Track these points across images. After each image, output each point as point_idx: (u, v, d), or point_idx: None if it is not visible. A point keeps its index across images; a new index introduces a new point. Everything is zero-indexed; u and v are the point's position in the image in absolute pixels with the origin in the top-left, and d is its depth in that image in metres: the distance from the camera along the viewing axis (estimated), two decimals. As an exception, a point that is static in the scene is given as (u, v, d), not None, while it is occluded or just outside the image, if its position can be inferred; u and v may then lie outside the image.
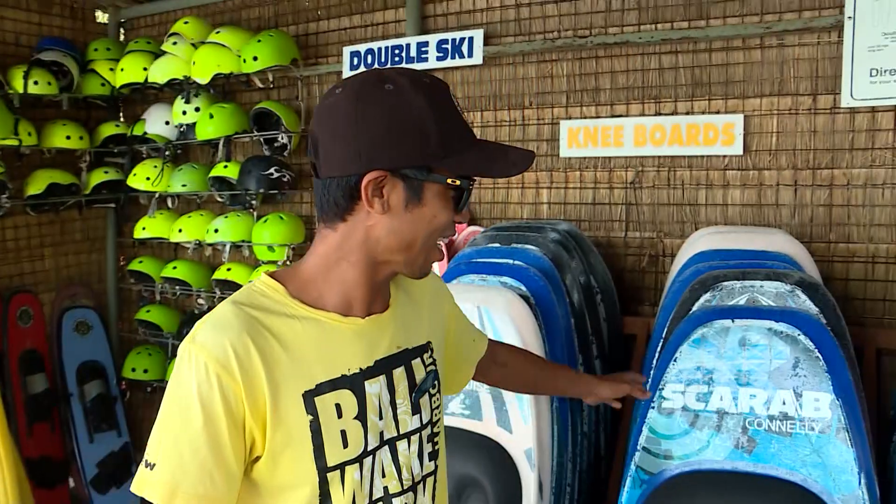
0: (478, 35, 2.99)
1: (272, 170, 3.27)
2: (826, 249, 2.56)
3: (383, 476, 1.17)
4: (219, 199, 3.53)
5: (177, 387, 1.07)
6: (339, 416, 1.12)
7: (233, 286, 3.42)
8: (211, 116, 3.39)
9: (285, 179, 3.30)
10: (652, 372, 1.95)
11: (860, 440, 1.63)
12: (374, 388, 1.16)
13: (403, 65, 3.12)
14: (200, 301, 3.62)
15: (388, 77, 1.11)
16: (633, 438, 1.86)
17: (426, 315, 1.29)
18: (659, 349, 2.16)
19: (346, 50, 3.27)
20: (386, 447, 1.18)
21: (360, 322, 1.16)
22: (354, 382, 1.14)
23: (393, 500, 1.19)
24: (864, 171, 2.53)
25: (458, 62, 3.04)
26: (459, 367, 1.46)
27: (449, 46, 3.04)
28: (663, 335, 2.15)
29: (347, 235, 1.14)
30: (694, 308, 2.02)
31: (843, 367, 1.66)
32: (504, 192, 3.09)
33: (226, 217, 3.47)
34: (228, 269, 3.45)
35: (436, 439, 1.27)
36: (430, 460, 1.25)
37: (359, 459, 1.14)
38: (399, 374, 1.20)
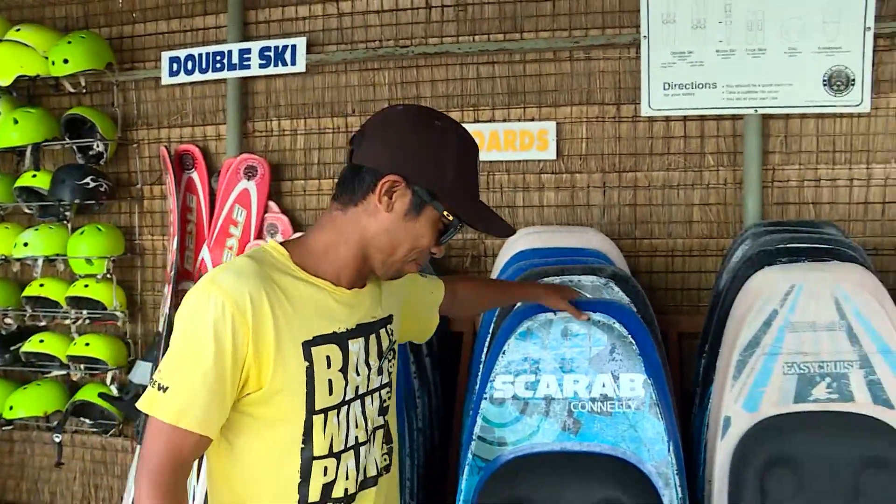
0: (301, 43, 3.03)
1: (88, 179, 3.12)
2: (632, 245, 2.82)
3: (356, 426, 1.37)
4: (27, 211, 3.32)
5: (193, 319, 1.23)
6: (328, 366, 1.31)
7: (46, 303, 3.24)
8: (15, 122, 3.19)
9: (102, 189, 3.17)
10: (482, 366, 2.08)
11: (668, 413, 1.84)
12: (355, 347, 1.36)
13: (226, 72, 3.10)
14: (8, 321, 3.38)
15: (442, 118, 1.35)
16: (468, 429, 1.98)
17: (390, 292, 1.49)
18: (487, 343, 2.30)
19: (165, 55, 3.20)
20: (358, 400, 1.37)
21: (346, 292, 1.35)
22: (341, 339, 1.33)
23: (360, 447, 1.38)
24: (662, 174, 2.82)
25: (281, 69, 3.06)
26: (426, 316, 1.70)
27: (272, 54, 3.05)
28: (490, 330, 2.29)
29: (351, 221, 1.33)
30: (518, 304, 2.18)
31: (653, 351, 1.86)
32: (326, 199, 3.13)
33: (36, 230, 3.27)
34: (41, 286, 3.25)
35: (389, 398, 1.48)
36: (382, 415, 1.45)
37: (338, 407, 1.33)
38: (373, 338, 1.40)
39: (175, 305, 3.03)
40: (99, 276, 3.19)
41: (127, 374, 3.22)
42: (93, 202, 3.17)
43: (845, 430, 2.06)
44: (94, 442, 3.48)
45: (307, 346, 1.28)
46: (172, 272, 3.08)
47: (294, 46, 3.02)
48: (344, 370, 1.33)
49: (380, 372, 1.43)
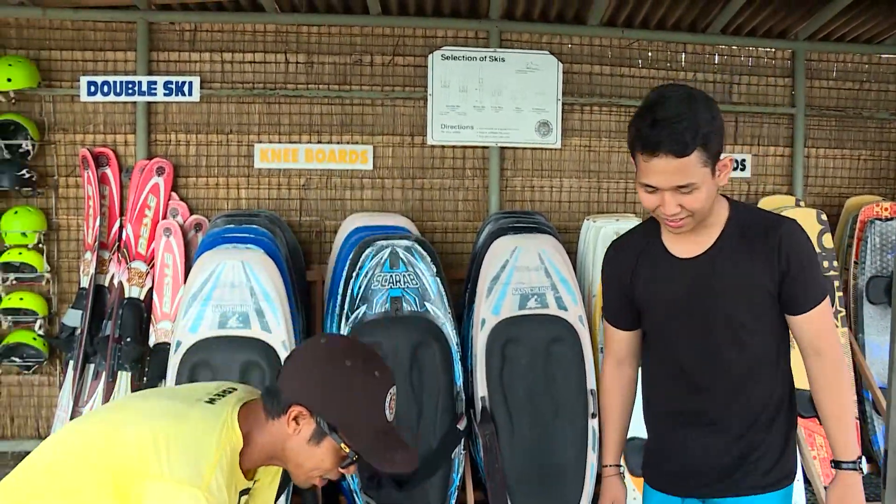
0: (195, 80, 4.28)
1: (24, 171, 4.14)
2: (422, 225, 4.41)
3: None
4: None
5: None
6: None
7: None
8: (-42, 125, 4.12)
9: (33, 179, 4.19)
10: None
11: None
12: None
13: (136, 97, 4.24)
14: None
15: (355, 358, 1.51)
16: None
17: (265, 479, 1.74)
18: (341, 286, 3.77)
19: (84, 79, 4.25)
20: None
21: (245, 482, 1.59)
22: None
23: None
24: (439, 181, 4.45)
25: (181, 98, 4.28)
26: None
27: (173, 86, 4.27)
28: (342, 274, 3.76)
29: (272, 432, 1.52)
30: (360, 259, 3.66)
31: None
32: (214, 191, 4.40)
33: (-32, 211, 4.21)
34: (-24, 257, 4.21)
35: None
36: None
37: None
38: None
39: (97, 268, 4.14)
40: (30, 246, 4.21)
41: (58, 320, 4.27)
42: (29, 188, 4.18)
43: (544, 323, 3.66)
44: (10, 380, 4.43)
45: None
46: (95, 243, 4.18)
47: (191, 83, 4.27)
48: None
49: None
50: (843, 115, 4.84)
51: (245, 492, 1.62)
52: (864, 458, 1.82)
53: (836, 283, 4.21)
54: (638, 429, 3.70)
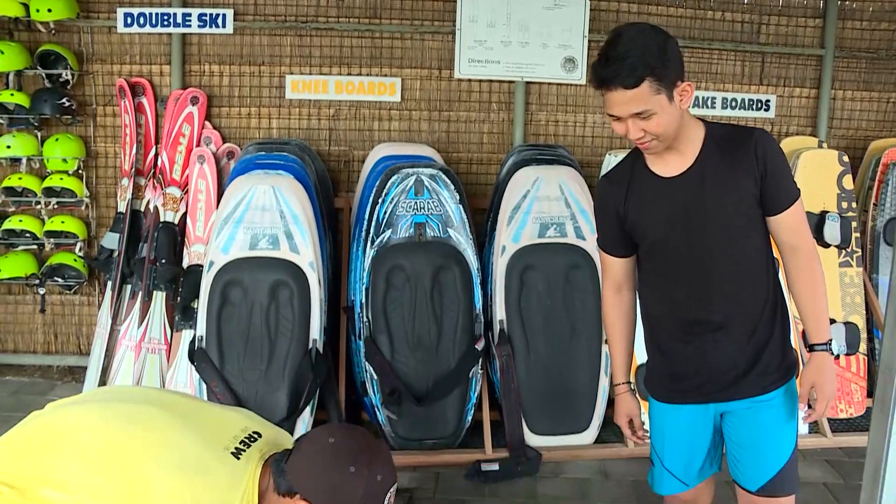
0: (229, 13, 4.38)
1: (64, 99, 4.30)
2: (447, 156, 4.51)
3: None
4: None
5: None
6: None
7: (17, 194, 4.38)
8: (1, 52, 4.27)
9: (73, 107, 4.35)
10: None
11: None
12: None
13: (171, 28, 4.36)
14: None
15: (359, 464, 1.56)
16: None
17: None
18: (367, 211, 3.90)
19: (120, 10, 4.36)
20: None
21: None
22: None
23: None
24: (465, 114, 4.53)
25: (214, 30, 4.39)
26: None
27: (208, 18, 4.37)
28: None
29: None
30: (386, 186, 3.78)
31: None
32: (246, 121, 4.53)
33: (13, 136, 4.37)
34: (20, 178, 4.40)
35: None
36: None
37: None
38: None
39: (133, 193, 4.32)
40: (70, 172, 4.39)
41: (97, 243, 4.47)
42: (69, 116, 4.35)
43: (562, 251, 3.81)
44: (54, 300, 4.67)
45: None
46: (132, 169, 4.35)
47: (224, 15, 4.37)
48: None
49: None
50: (875, 56, 4.80)
51: None
52: (833, 342, 2.06)
53: (854, 224, 4.25)
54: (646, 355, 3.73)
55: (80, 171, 4.43)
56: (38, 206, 4.44)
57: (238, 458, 1.63)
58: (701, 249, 2.01)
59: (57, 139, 4.38)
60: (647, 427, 2.29)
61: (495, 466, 3.53)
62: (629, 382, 2.27)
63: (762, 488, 2.10)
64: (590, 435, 3.78)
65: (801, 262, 2.00)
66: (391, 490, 1.59)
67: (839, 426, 4.06)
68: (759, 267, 2.04)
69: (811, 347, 2.02)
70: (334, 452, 1.56)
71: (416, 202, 3.69)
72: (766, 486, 2.09)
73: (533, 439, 3.69)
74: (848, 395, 4.13)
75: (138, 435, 1.64)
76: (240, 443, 1.67)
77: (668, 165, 2.03)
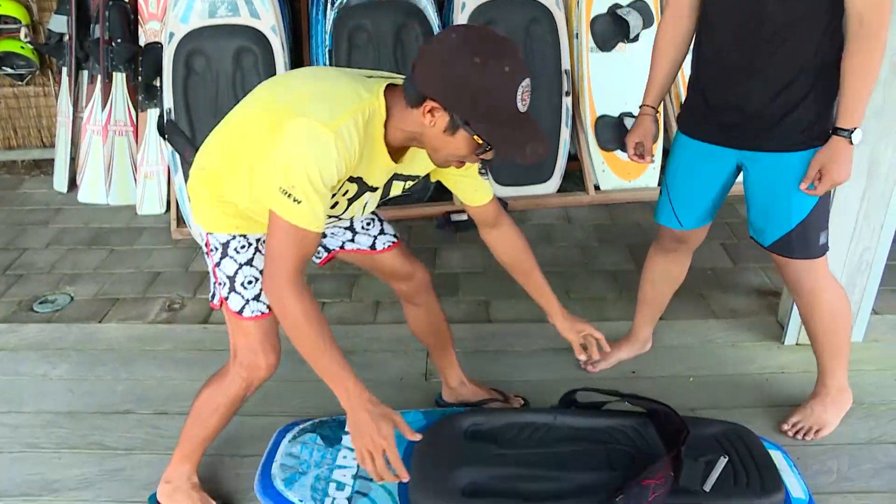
0: None
1: None
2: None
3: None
4: None
5: (318, 159, 1.53)
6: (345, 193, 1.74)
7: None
8: None
9: None
10: None
11: None
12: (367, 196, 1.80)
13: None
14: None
15: (486, 52, 1.50)
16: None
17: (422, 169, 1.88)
18: None
19: None
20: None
21: (391, 164, 1.73)
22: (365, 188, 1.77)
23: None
24: None
25: None
26: (463, 194, 2.00)
27: None
28: None
29: (413, 120, 1.61)
30: None
31: None
32: None
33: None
34: None
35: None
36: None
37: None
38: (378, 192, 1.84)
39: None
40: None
41: (43, 27, 4.34)
42: None
43: (521, 5, 3.81)
44: (6, 93, 4.55)
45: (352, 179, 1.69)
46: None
47: None
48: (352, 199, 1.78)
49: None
50: None
51: (399, 177, 1.82)
52: (859, 131, 1.94)
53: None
54: (605, 108, 3.92)
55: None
56: (-25, -9, 4.25)
57: (363, 78, 1.70)
58: None
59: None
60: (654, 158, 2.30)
61: (464, 216, 3.72)
62: (654, 108, 2.31)
63: (774, 245, 2.17)
64: (553, 184, 4.00)
65: (862, 36, 1.86)
66: (523, 84, 1.52)
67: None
68: (817, 23, 1.92)
69: (834, 130, 1.96)
70: (458, 48, 1.51)
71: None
72: (777, 243, 2.16)
73: (499, 190, 3.88)
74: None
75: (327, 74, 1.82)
76: (367, 75, 1.73)
77: None
